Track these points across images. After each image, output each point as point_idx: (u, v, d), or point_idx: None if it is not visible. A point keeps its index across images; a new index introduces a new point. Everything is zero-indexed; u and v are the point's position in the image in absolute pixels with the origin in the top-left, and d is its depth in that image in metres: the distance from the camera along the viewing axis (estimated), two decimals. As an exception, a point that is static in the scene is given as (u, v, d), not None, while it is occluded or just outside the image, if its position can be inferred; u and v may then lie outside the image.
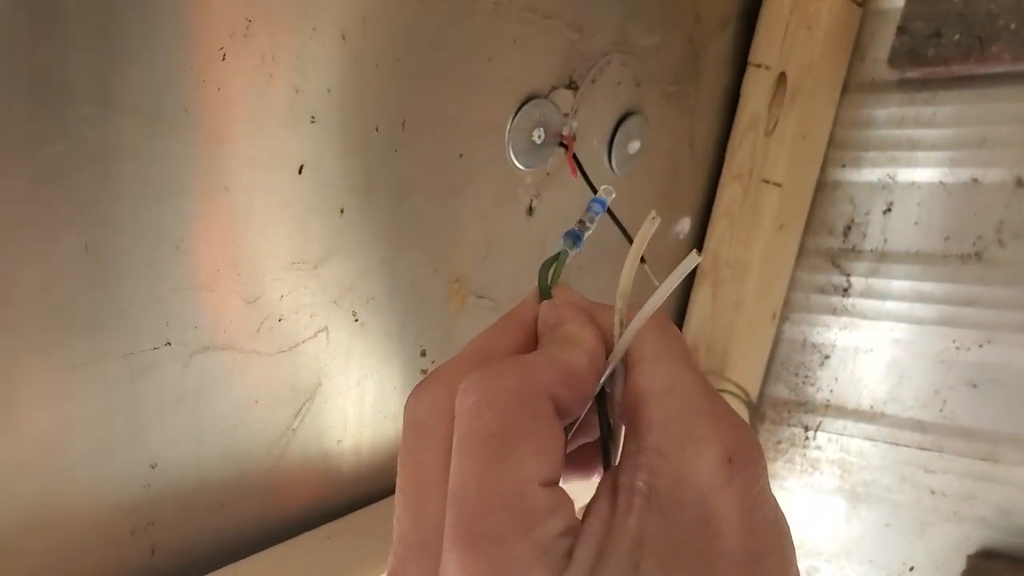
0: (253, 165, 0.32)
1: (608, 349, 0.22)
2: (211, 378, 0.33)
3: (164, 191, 0.29)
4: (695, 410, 0.19)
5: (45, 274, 0.27)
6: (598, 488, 0.20)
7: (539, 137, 0.45)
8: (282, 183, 0.33)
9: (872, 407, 0.67)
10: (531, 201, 0.47)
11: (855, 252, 0.67)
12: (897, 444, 0.66)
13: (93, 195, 0.27)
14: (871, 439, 0.67)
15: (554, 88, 0.45)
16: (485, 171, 0.43)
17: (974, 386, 0.62)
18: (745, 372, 0.67)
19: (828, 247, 0.68)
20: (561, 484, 0.19)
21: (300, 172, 0.34)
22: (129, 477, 0.32)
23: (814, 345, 0.70)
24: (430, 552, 0.18)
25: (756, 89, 0.61)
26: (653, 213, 0.22)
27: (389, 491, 0.44)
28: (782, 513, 0.19)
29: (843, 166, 0.67)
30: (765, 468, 0.19)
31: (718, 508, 0.17)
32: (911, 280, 0.64)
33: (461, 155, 0.41)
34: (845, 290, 0.67)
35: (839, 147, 0.67)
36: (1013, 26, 0.55)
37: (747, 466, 0.18)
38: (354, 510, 0.41)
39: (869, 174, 0.66)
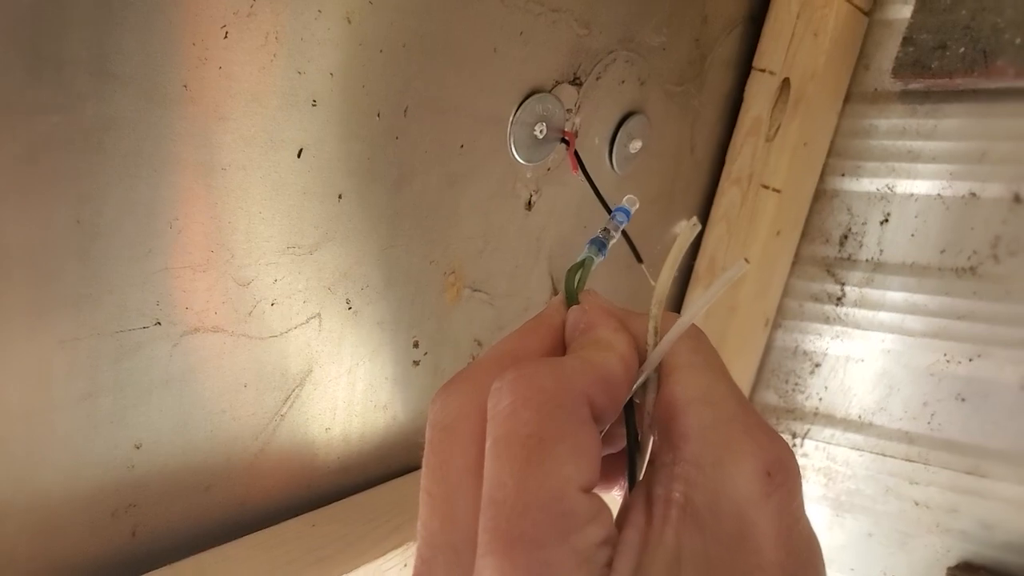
0: (252, 145, 0.31)
1: (640, 356, 0.21)
2: (200, 360, 0.33)
3: (160, 168, 0.29)
4: (732, 421, 0.19)
5: (33, 246, 0.26)
6: (631, 499, 0.19)
7: (541, 132, 0.45)
8: (280, 165, 0.33)
9: (861, 417, 0.67)
10: (531, 196, 0.47)
11: (851, 261, 0.67)
12: (883, 455, 0.66)
13: (87, 168, 0.27)
14: (858, 449, 0.67)
15: (558, 83, 0.45)
16: (485, 163, 0.43)
17: (963, 400, 0.62)
18: (735, 377, 0.67)
19: (824, 255, 0.68)
20: None
21: (299, 155, 0.33)
22: (112, 457, 0.31)
23: (805, 353, 0.70)
24: (460, 556, 0.18)
25: (759, 94, 0.61)
26: (694, 220, 0.21)
27: (376, 481, 0.44)
28: (813, 530, 0.19)
29: (842, 175, 0.67)
30: (801, 483, 0.18)
31: (756, 523, 0.17)
32: (905, 292, 0.64)
33: (462, 146, 0.41)
34: (839, 299, 0.67)
35: (839, 156, 0.67)
36: (1019, 41, 0.55)
37: (785, 481, 0.18)
38: (340, 498, 0.41)
39: (868, 184, 0.66)
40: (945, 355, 0.63)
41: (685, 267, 0.65)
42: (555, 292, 0.51)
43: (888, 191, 0.65)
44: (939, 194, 0.63)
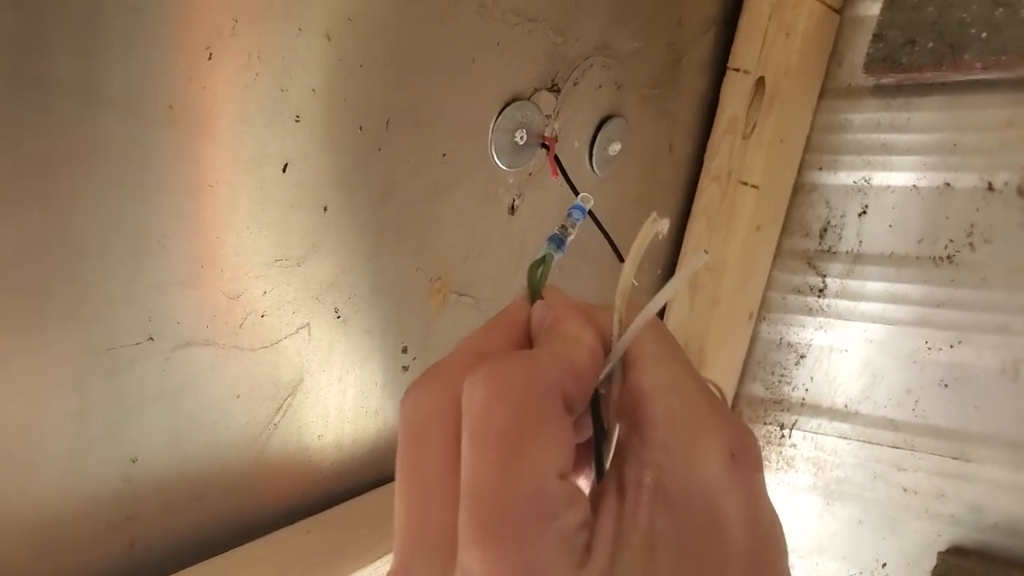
0: (237, 162, 0.32)
1: (605, 349, 0.22)
2: (193, 373, 0.33)
3: (147, 187, 0.30)
4: (696, 407, 0.19)
5: (25, 267, 0.27)
6: (602, 486, 0.20)
7: (521, 138, 0.46)
8: (266, 180, 0.34)
9: (846, 406, 0.68)
10: (513, 201, 0.48)
11: (831, 253, 0.68)
12: (870, 442, 0.67)
13: (75, 189, 0.28)
14: (845, 437, 0.69)
15: (536, 90, 0.46)
16: (468, 171, 0.44)
17: (945, 386, 0.64)
18: (721, 371, 0.68)
19: (804, 248, 0.69)
20: None
21: (284, 170, 0.34)
22: (108, 472, 0.32)
23: (790, 344, 0.71)
24: (439, 553, 0.18)
25: (735, 93, 0.62)
26: (655, 215, 0.22)
27: (370, 486, 0.45)
28: (774, 508, 0.19)
29: (820, 169, 0.68)
30: (762, 464, 0.19)
31: (723, 504, 0.18)
32: (885, 282, 0.65)
33: (444, 155, 0.42)
34: (821, 291, 0.68)
35: (816, 151, 0.68)
36: (985, 35, 0.57)
37: (748, 461, 0.19)
38: (334, 504, 0.42)
39: (845, 177, 0.67)
40: (926, 343, 0.64)
41: (668, 263, 0.66)
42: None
43: (865, 184, 0.66)
44: (914, 185, 0.64)
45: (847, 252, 0.67)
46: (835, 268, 0.68)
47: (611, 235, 0.44)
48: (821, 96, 0.67)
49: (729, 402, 0.72)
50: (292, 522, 0.39)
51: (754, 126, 0.62)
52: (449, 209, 0.44)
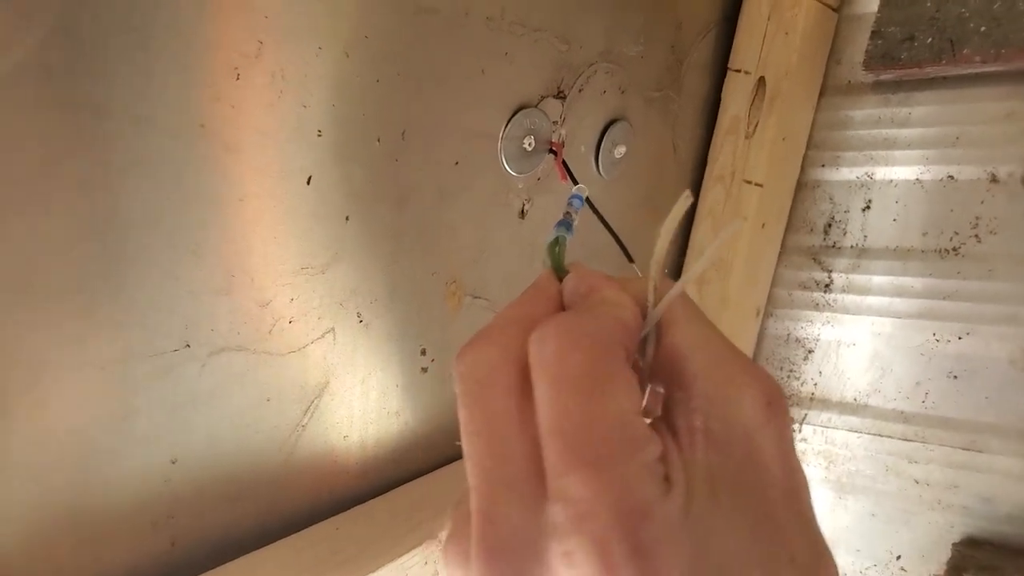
0: (264, 176, 0.34)
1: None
2: (226, 378, 0.35)
3: (182, 200, 0.31)
4: (731, 361, 0.22)
5: (73, 279, 0.29)
6: (657, 432, 0.21)
7: (530, 144, 0.47)
8: (291, 192, 0.35)
9: (856, 399, 0.69)
10: (523, 205, 0.50)
11: (836, 249, 0.69)
12: (881, 435, 0.68)
13: (116, 204, 0.29)
14: (855, 431, 0.69)
15: (543, 98, 0.47)
16: (479, 177, 0.45)
17: (955, 377, 0.64)
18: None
19: (809, 244, 0.70)
20: None
21: (308, 182, 0.36)
22: (150, 473, 0.33)
23: (798, 340, 0.72)
24: (522, 487, 0.20)
25: (736, 93, 0.64)
26: (687, 192, 0.24)
27: (394, 484, 0.46)
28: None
29: (822, 166, 0.69)
30: (789, 410, 0.21)
31: (762, 445, 0.20)
32: (891, 275, 0.66)
33: (457, 162, 0.43)
34: (827, 286, 0.70)
35: (818, 147, 0.69)
36: (983, 29, 0.58)
37: (781, 409, 0.21)
38: (360, 502, 0.43)
39: (848, 173, 0.68)
40: (934, 334, 0.65)
41: (675, 263, 0.67)
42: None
43: (868, 179, 0.67)
44: (917, 179, 0.65)
45: (852, 247, 0.68)
46: (840, 263, 0.69)
47: (609, 222, 0.45)
48: (822, 93, 0.68)
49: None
50: (321, 520, 0.41)
51: (756, 125, 0.63)
52: (462, 215, 0.45)
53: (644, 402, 0.21)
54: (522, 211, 0.50)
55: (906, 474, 0.68)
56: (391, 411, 0.45)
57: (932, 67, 0.60)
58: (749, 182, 0.63)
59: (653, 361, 0.23)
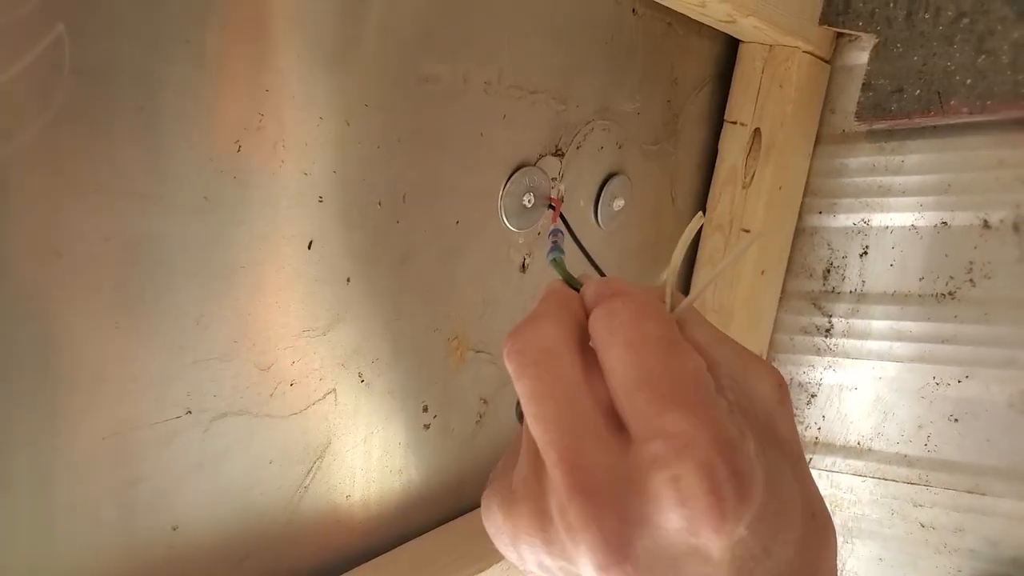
0: (266, 243, 0.35)
1: None
2: (229, 442, 0.35)
3: (185, 272, 0.32)
4: (743, 354, 0.25)
5: (79, 351, 0.29)
6: None
7: (529, 201, 0.48)
8: (293, 258, 0.36)
9: (859, 443, 0.69)
10: (524, 259, 0.50)
11: (835, 294, 0.70)
12: (885, 479, 0.68)
13: (122, 280, 0.30)
14: (860, 474, 0.69)
15: (542, 156, 0.48)
16: (480, 235, 0.46)
17: (956, 420, 0.65)
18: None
19: (809, 290, 0.71)
20: None
21: (309, 247, 0.37)
22: (153, 540, 0.34)
23: (801, 384, 0.72)
24: (602, 434, 0.21)
25: (733, 145, 0.65)
26: (701, 213, 0.28)
27: (398, 541, 0.46)
28: None
29: (819, 213, 0.70)
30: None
31: (779, 419, 0.24)
32: (890, 320, 0.67)
33: (457, 221, 0.44)
34: (827, 331, 0.70)
35: (815, 195, 0.70)
36: (969, 81, 0.59)
37: (788, 392, 0.25)
38: (365, 560, 0.43)
39: (844, 220, 0.69)
40: (934, 378, 0.65)
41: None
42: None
43: (864, 225, 0.68)
44: (912, 225, 0.66)
45: (851, 292, 0.69)
46: (840, 308, 0.69)
47: (601, 267, 0.46)
48: (817, 142, 0.70)
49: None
50: (324, 580, 0.41)
51: (753, 175, 0.64)
52: (463, 271, 0.46)
53: None
54: (523, 265, 0.50)
55: (912, 517, 0.67)
56: (394, 469, 0.45)
57: (921, 118, 0.62)
58: (747, 231, 0.64)
59: None
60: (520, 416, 0.25)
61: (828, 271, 0.70)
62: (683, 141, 0.62)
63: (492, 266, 0.48)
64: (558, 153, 0.49)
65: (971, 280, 0.63)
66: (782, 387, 0.24)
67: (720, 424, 0.20)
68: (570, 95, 0.49)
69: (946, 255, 0.64)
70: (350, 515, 0.43)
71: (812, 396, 0.72)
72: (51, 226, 0.28)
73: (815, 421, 0.72)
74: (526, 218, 0.49)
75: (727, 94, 0.65)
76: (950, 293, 0.64)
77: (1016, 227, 0.61)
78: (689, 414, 0.20)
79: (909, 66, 0.61)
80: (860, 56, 0.67)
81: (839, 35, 0.67)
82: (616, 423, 0.22)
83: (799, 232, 0.71)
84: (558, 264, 0.31)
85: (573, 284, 0.28)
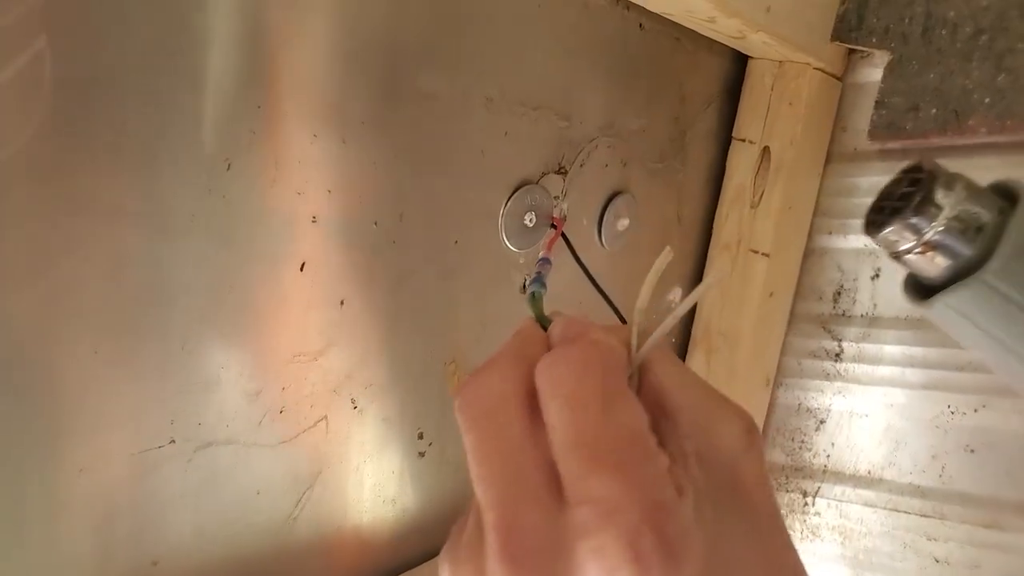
0: (256, 264, 0.33)
1: None
2: (214, 472, 0.34)
3: (170, 294, 0.31)
4: (710, 398, 0.24)
5: (56, 377, 0.28)
6: None
7: (531, 220, 0.47)
8: (284, 280, 0.35)
9: (870, 472, 0.67)
10: (524, 280, 0.49)
11: (845, 317, 0.68)
12: (897, 510, 0.66)
13: (102, 304, 0.29)
14: (871, 505, 0.67)
15: (544, 174, 0.47)
16: (479, 255, 0.45)
17: (972, 451, 0.62)
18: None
19: (819, 313, 0.69)
20: None
21: (302, 269, 0.35)
22: None
23: (809, 410, 0.70)
24: (541, 498, 0.20)
25: (741, 163, 0.63)
26: (668, 248, 0.26)
27: (391, 572, 0.44)
28: None
29: (830, 233, 0.68)
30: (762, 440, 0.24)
31: (746, 468, 0.23)
32: (902, 345, 0.65)
33: (456, 242, 0.43)
34: (837, 355, 0.68)
35: (825, 215, 0.68)
36: (988, 100, 0.58)
37: (758, 436, 0.23)
38: (354, 596, 0.42)
39: (855, 241, 0.67)
40: (949, 407, 0.63)
41: (683, 332, 0.66)
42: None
43: (876, 247, 0.66)
44: (926, 248, 0.64)
45: (862, 315, 0.67)
46: (851, 332, 0.67)
47: (608, 294, 0.45)
48: (827, 161, 0.68)
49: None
50: (311, 615, 0.39)
51: (762, 194, 0.63)
52: (462, 292, 0.44)
53: None
54: (524, 286, 0.49)
55: (925, 552, 0.65)
56: (387, 498, 0.43)
57: (937, 137, 0.60)
58: (755, 251, 0.63)
59: (639, 396, 0.24)
60: None
61: (838, 293, 0.68)
62: (690, 159, 0.61)
63: (492, 287, 0.46)
64: (561, 171, 0.48)
65: (987, 305, 0.61)
66: (751, 432, 0.23)
67: (651, 486, 0.19)
68: (574, 111, 0.48)
69: (961, 279, 0.62)
70: (341, 546, 0.41)
71: (821, 422, 0.70)
72: (29, 246, 0.26)
73: (824, 448, 0.70)
74: (528, 238, 0.47)
75: (735, 111, 0.64)
76: (966, 318, 0.62)
77: (1034, 251, 0.60)
78: (618, 477, 0.19)
79: (925, 84, 0.60)
80: (873, 73, 0.65)
81: (851, 51, 0.65)
82: (560, 481, 0.21)
83: (809, 253, 0.69)
84: (535, 300, 0.30)
85: (544, 323, 0.27)
